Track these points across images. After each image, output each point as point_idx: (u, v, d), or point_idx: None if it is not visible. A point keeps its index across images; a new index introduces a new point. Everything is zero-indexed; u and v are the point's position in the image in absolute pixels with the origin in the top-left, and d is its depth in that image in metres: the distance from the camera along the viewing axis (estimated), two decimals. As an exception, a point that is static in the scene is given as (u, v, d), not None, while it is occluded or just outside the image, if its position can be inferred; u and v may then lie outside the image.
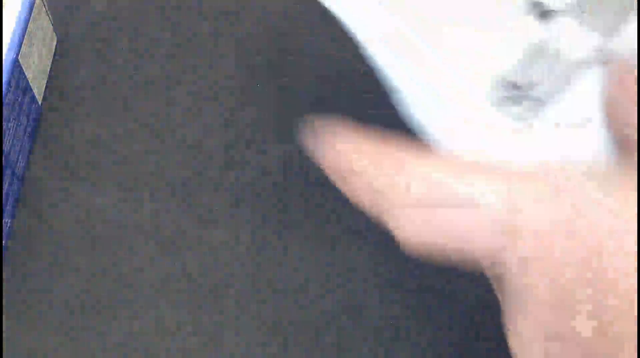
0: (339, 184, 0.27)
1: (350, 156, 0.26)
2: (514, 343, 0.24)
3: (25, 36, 0.40)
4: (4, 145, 0.37)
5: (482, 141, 0.29)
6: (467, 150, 0.29)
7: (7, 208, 0.37)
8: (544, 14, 0.32)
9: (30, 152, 0.41)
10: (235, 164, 0.40)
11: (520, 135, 0.29)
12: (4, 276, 0.37)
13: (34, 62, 0.41)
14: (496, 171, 0.25)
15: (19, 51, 0.39)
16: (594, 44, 0.32)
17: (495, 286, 0.25)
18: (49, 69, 0.44)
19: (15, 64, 0.39)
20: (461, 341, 0.36)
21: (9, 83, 0.38)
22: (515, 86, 0.30)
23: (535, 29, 0.31)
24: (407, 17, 0.32)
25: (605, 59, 0.31)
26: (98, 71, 0.44)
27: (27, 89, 0.40)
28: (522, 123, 0.29)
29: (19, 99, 0.39)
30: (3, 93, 0.37)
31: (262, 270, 0.38)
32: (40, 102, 0.42)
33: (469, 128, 0.29)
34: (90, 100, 0.43)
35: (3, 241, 0.37)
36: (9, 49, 0.39)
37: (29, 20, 0.40)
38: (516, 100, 0.30)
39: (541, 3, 0.32)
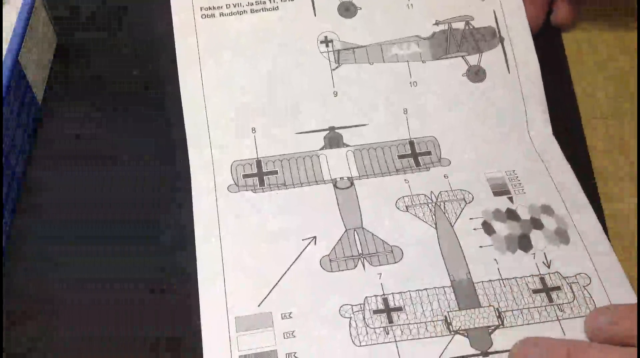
0: None
1: None
2: None
3: (25, 36, 0.40)
4: (3, 145, 0.37)
5: None
6: None
7: (7, 208, 0.37)
8: None
9: (30, 152, 0.41)
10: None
11: None
12: (4, 276, 0.37)
13: (34, 62, 0.41)
14: None
15: (19, 50, 0.39)
16: None
17: None
18: (49, 69, 0.44)
19: (15, 64, 0.39)
20: None
21: (9, 83, 0.38)
22: None
23: None
24: None
25: None
26: (98, 71, 0.44)
27: (27, 89, 0.40)
28: None
29: (19, 99, 0.39)
30: (3, 93, 0.37)
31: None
32: (40, 102, 0.42)
33: None
34: (89, 100, 0.43)
35: (3, 241, 0.37)
36: (9, 49, 0.39)
37: (29, 20, 0.41)
38: None
39: None
